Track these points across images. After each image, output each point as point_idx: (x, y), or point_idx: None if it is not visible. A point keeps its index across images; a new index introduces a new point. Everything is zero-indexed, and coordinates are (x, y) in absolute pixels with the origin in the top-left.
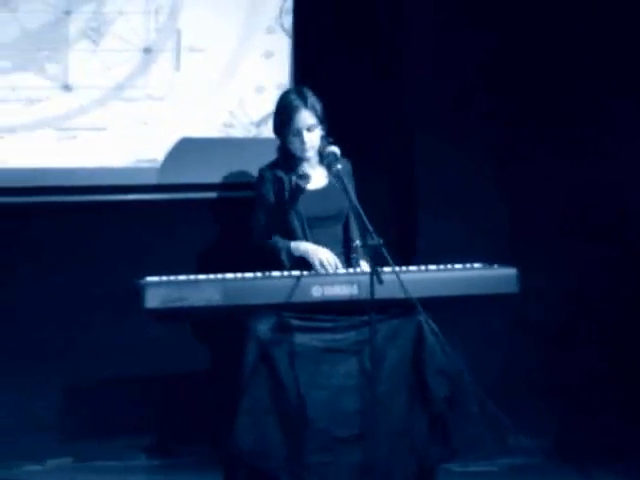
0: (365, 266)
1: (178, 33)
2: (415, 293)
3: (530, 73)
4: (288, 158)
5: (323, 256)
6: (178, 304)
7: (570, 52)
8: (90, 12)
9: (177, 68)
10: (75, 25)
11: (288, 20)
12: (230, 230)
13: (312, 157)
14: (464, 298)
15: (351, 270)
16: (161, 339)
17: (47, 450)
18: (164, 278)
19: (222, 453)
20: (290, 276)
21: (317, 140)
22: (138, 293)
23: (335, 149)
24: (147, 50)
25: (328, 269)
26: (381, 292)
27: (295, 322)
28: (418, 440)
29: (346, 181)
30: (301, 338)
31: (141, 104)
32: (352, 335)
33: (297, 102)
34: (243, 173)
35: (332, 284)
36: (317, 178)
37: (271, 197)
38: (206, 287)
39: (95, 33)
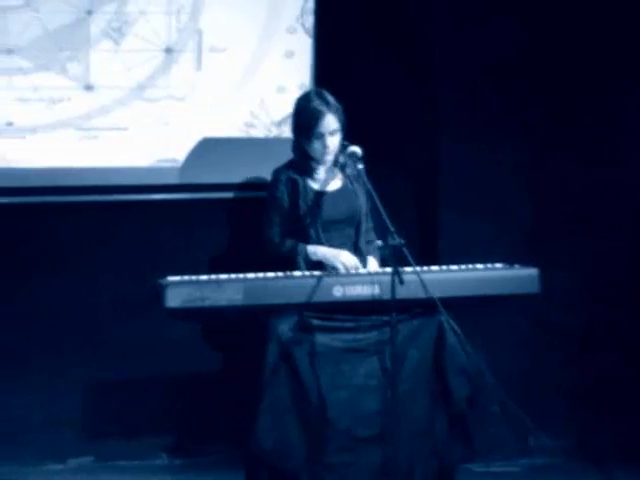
0: (373, 262)
1: (199, 33)
2: (436, 293)
3: (553, 74)
4: (305, 160)
5: (344, 258)
6: (199, 304)
7: (590, 52)
8: (112, 12)
9: (198, 68)
10: (97, 25)
11: (309, 20)
12: (251, 230)
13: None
14: (485, 298)
15: (372, 270)
16: (183, 338)
17: (68, 449)
18: (185, 278)
19: (243, 453)
20: (311, 276)
21: (338, 144)
22: (159, 293)
23: (357, 149)
24: (168, 50)
25: (351, 271)
26: (402, 292)
27: (316, 322)
28: (439, 440)
29: (367, 181)
30: (322, 338)
31: (162, 104)
32: (373, 335)
33: (322, 107)
34: (264, 173)
35: (353, 284)
36: (331, 180)
37: (285, 200)
38: (227, 287)
39: (117, 33)
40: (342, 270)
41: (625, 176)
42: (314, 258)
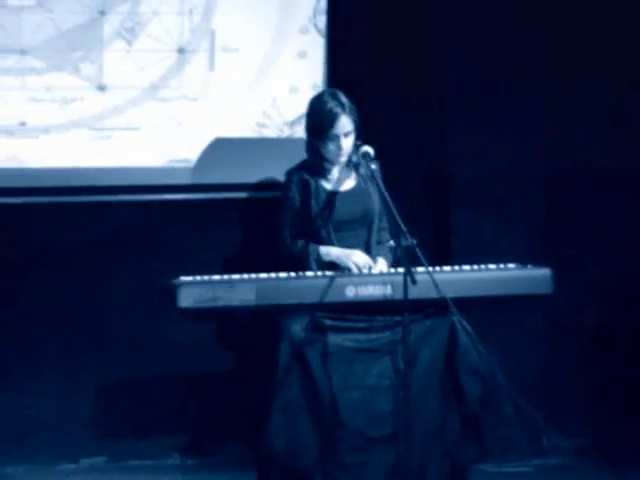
0: (382, 263)
1: (212, 33)
2: (449, 293)
3: (563, 73)
4: (318, 160)
5: (356, 258)
6: (212, 304)
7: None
8: (124, 12)
9: (211, 68)
10: (110, 25)
11: (322, 20)
12: (263, 230)
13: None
14: (498, 299)
15: (385, 270)
16: (195, 338)
17: (81, 449)
18: (198, 278)
19: (255, 453)
20: (324, 276)
21: (351, 145)
22: (172, 293)
23: (369, 149)
24: (181, 50)
25: (364, 271)
26: (415, 292)
27: (328, 322)
28: (451, 440)
29: (379, 181)
30: (334, 338)
31: (175, 104)
32: (386, 335)
33: (337, 109)
34: (276, 173)
35: (366, 284)
36: (345, 180)
37: (297, 200)
38: (240, 287)
39: (129, 33)
40: (355, 270)
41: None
42: (326, 259)
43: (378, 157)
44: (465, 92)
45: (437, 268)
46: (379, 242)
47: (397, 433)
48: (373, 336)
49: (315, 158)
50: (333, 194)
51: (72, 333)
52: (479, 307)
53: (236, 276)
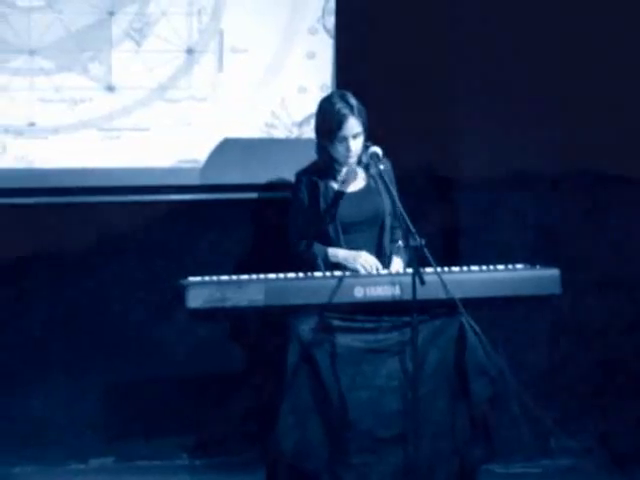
0: (397, 262)
1: (221, 34)
2: (457, 294)
3: (569, 73)
4: (328, 161)
5: (363, 259)
6: (220, 304)
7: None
8: (133, 13)
9: (220, 69)
10: (118, 26)
11: (330, 21)
12: (272, 230)
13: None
14: (506, 299)
15: (393, 271)
16: (204, 339)
17: (90, 450)
18: (206, 278)
19: (264, 453)
20: (332, 276)
21: (361, 146)
22: (180, 293)
23: (377, 149)
24: (190, 51)
25: (372, 272)
26: (423, 293)
27: (337, 322)
28: (460, 441)
29: (388, 181)
30: (343, 339)
31: (184, 105)
32: (394, 336)
33: (345, 110)
34: (285, 173)
35: (374, 285)
36: (354, 181)
37: (305, 201)
38: (248, 287)
39: (138, 34)
40: (362, 271)
41: None
42: (334, 260)
43: (387, 157)
44: (477, 93)
45: (445, 268)
46: (392, 240)
47: (405, 433)
48: (381, 336)
49: (325, 159)
50: (342, 195)
51: (81, 334)
52: (488, 307)
53: (245, 276)
